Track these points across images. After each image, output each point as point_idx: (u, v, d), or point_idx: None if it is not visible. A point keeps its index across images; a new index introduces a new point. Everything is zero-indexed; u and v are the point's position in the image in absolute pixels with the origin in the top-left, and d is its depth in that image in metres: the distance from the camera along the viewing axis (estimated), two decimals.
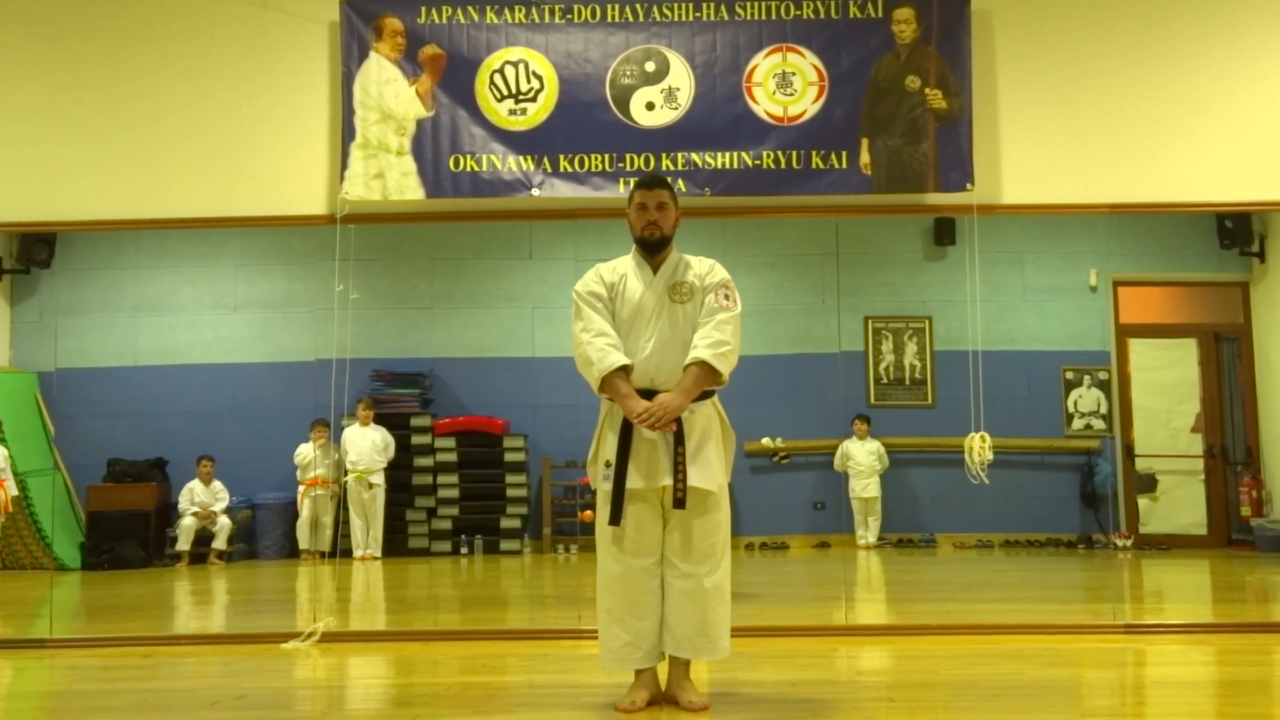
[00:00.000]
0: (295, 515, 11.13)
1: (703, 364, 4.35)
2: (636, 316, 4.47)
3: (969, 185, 6.46)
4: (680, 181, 6.42)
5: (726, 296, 4.47)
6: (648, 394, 4.40)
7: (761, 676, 5.09)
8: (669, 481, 4.35)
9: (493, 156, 6.47)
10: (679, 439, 4.36)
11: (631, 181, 6.32)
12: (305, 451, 11.16)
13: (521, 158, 6.47)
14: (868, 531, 10.99)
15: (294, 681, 5.33)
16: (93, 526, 10.73)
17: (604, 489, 4.43)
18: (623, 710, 4.37)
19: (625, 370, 4.38)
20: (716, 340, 4.37)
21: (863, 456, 11.11)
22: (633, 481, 4.38)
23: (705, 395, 4.47)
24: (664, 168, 6.41)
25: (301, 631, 6.20)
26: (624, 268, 4.58)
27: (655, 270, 4.53)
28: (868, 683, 5.08)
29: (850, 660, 5.65)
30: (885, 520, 11.17)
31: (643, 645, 4.42)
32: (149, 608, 8.55)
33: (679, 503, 4.34)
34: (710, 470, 4.40)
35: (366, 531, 11.01)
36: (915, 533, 11.16)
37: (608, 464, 4.41)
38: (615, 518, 4.37)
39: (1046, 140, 6.59)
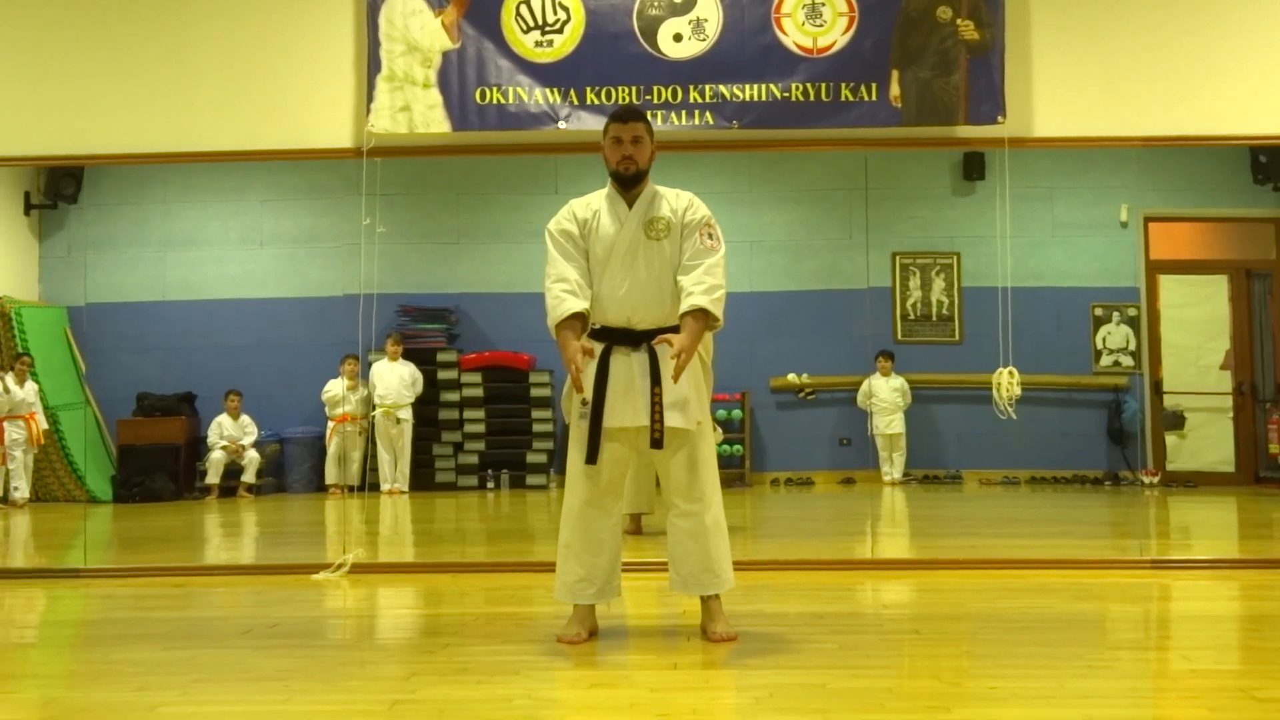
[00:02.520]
0: (323, 450, 11.22)
1: (701, 311, 4.29)
2: (611, 254, 4.39)
3: (1000, 118, 6.38)
4: (708, 114, 6.37)
5: (710, 236, 4.39)
6: (626, 334, 4.38)
7: (787, 609, 5.12)
8: (645, 422, 4.32)
9: (519, 89, 6.43)
10: (655, 379, 4.33)
11: (659, 115, 6.29)
12: (334, 388, 11.21)
13: (548, 90, 6.42)
14: (893, 468, 11.00)
15: (325, 611, 5.39)
16: (123, 460, 10.85)
17: (579, 427, 4.41)
18: (567, 642, 4.39)
19: (580, 317, 4.33)
20: (710, 285, 4.29)
21: (886, 393, 11.09)
22: (609, 420, 4.36)
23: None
24: (691, 100, 6.35)
25: (331, 563, 6.27)
26: (597, 203, 4.48)
27: (630, 205, 4.44)
28: (893, 615, 5.10)
29: (876, 593, 5.68)
30: (910, 456, 11.17)
31: (596, 581, 4.45)
32: (180, 539, 8.65)
33: (656, 443, 4.32)
34: (688, 410, 4.36)
35: (394, 466, 11.10)
36: (941, 469, 11.17)
37: (584, 402, 4.38)
38: (592, 456, 4.35)
39: (1080, 72, 6.50)
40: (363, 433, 10.93)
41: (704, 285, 4.29)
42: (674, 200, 4.46)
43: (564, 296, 4.33)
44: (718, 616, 4.46)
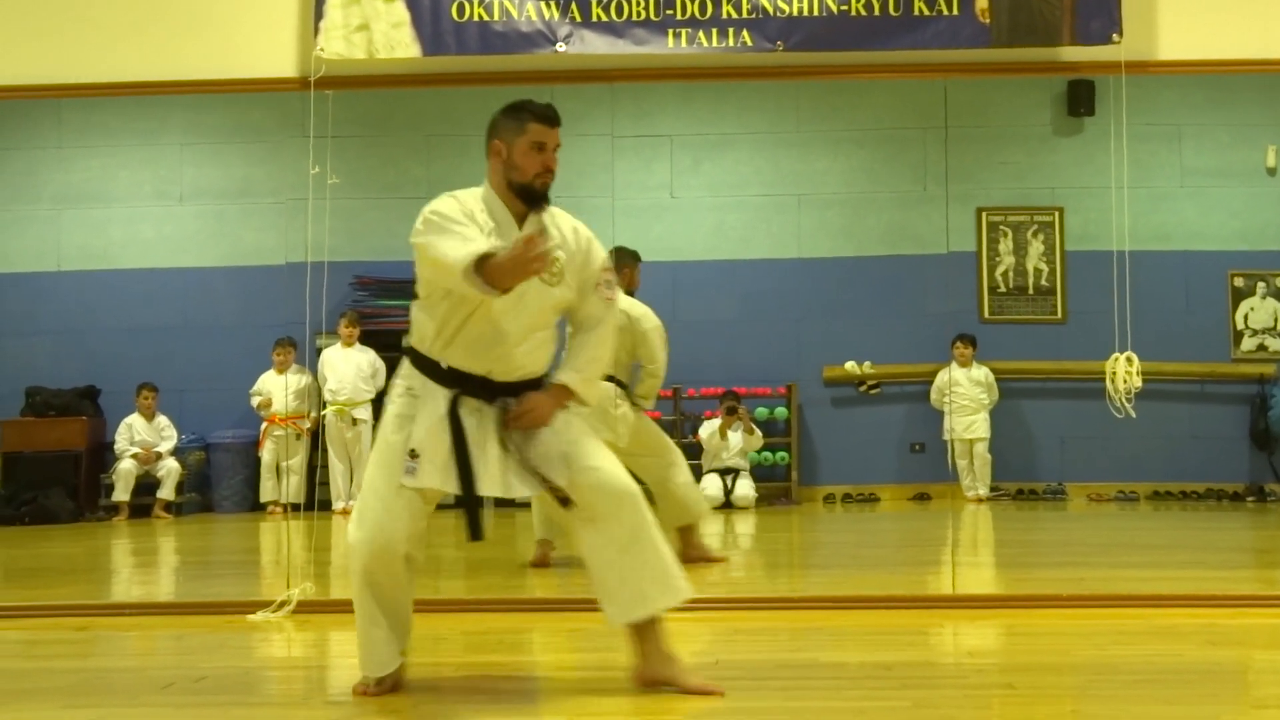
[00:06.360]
0: (259, 459, 11.23)
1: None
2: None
3: (1115, 37, 6.36)
4: (745, 33, 6.36)
5: (609, 285, 4.45)
6: (483, 383, 4.32)
7: (846, 657, 5.13)
8: (524, 492, 4.35)
9: (507, 2, 6.43)
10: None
11: (683, 34, 6.28)
12: (265, 383, 11.20)
13: (544, 4, 6.42)
14: (976, 480, 11.00)
15: (263, 660, 5.42)
16: (9, 471, 10.89)
17: (405, 481, 4.28)
18: (368, 694, 4.42)
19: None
20: (590, 358, 4.39)
21: (966, 387, 11.07)
22: (484, 487, 4.31)
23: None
24: (724, 16, 6.34)
25: (271, 600, 6.29)
26: (482, 215, 4.39)
27: (520, 228, 4.37)
28: (979, 666, 5.11)
29: (957, 638, 5.68)
30: (1000, 466, 11.17)
31: (405, 637, 4.51)
32: (82, 571, 8.68)
33: (566, 501, 4.33)
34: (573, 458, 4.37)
35: (349, 478, 11.10)
36: (1039, 482, 11.17)
37: (413, 454, 4.28)
38: (476, 532, 4.31)
39: None
40: (300, 436, 10.93)
41: (585, 357, 4.39)
42: (570, 236, 4.45)
43: (475, 237, 4.20)
44: (672, 655, 4.38)
